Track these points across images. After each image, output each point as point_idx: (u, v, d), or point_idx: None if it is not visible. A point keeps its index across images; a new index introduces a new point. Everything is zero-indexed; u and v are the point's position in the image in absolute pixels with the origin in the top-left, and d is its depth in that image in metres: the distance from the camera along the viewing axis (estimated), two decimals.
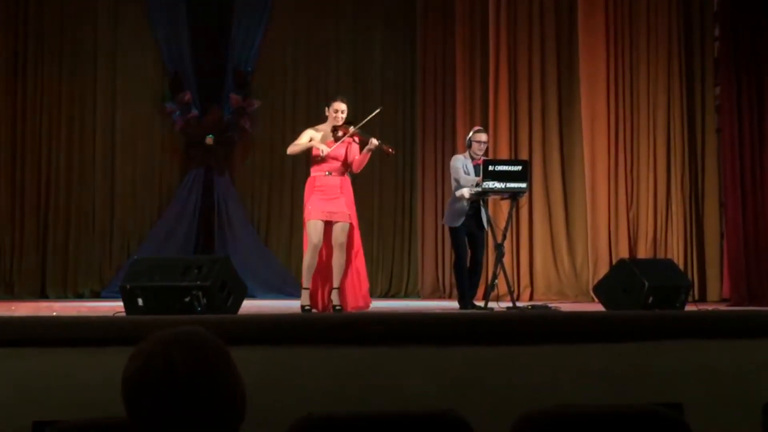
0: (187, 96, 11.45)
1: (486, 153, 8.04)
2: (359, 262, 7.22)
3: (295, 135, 7.51)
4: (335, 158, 7.14)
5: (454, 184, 7.83)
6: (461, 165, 7.80)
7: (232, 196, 11.66)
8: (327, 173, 7.14)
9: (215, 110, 11.59)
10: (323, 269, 7.11)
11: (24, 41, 11.03)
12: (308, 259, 6.98)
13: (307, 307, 6.93)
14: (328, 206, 7.04)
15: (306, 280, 7.00)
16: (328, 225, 7.06)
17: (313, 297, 7.06)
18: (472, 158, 7.86)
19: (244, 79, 11.66)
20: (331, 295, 7.06)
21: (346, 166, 7.22)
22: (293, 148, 7.28)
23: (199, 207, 11.56)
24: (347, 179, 7.26)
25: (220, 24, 11.68)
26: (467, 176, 7.72)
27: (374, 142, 7.08)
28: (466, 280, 7.85)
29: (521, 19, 10.48)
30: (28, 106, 11.01)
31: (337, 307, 6.97)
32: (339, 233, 7.04)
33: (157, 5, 11.47)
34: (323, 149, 7.07)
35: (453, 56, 11.31)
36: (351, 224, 7.13)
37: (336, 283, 7.02)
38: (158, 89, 11.61)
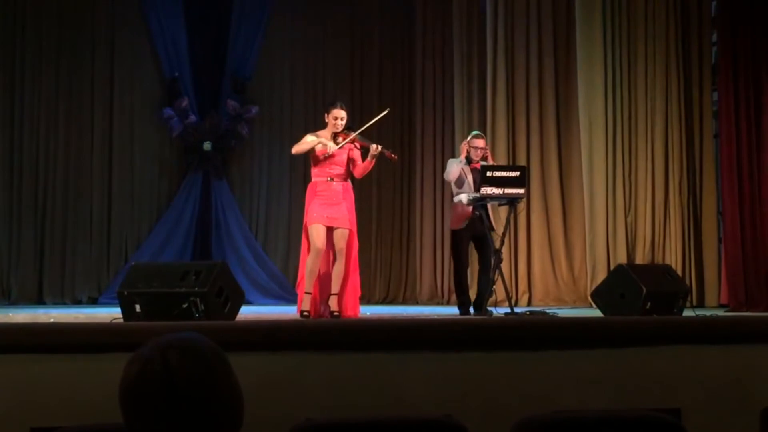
0: (185, 102, 11.45)
1: (485, 158, 7.98)
2: (354, 272, 7.14)
3: (293, 141, 7.48)
4: (337, 164, 7.07)
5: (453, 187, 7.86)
6: (456, 164, 7.83)
7: (230, 201, 11.65)
8: (329, 179, 7.07)
9: (213, 116, 11.60)
10: (320, 275, 7.07)
11: (21, 48, 11.02)
12: (310, 264, 6.92)
13: (306, 312, 6.89)
14: (329, 212, 6.97)
15: (308, 285, 6.94)
16: (329, 231, 7.00)
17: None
18: (470, 162, 7.85)
19: (242, 85, 11.68)
20: (328, 301, 7.03)
21: (348, 172, 7.15)
22: (299, 147, 7.15)
23: (196, 213, 11.56)
24: (349, 185, 7.17)
25: (218, 30, 11.70)
26: (451, 173, 7.78)
27: (377, 148, 7.02)
28: (465, 285, 7.82)
29: (519, 24, 10.48)
30: (26, 112, 11.00)
31: (336, 313, 6.94)
32: (339, 239, 7.00)
33: (155, 11, 11.48)
34: (330, 147, 7.01)
35: (451, 61, 11.31)
36: (350, 231, 7.09)
37: (335, 289, 6.99)
38: (156, 95, 11.61)
